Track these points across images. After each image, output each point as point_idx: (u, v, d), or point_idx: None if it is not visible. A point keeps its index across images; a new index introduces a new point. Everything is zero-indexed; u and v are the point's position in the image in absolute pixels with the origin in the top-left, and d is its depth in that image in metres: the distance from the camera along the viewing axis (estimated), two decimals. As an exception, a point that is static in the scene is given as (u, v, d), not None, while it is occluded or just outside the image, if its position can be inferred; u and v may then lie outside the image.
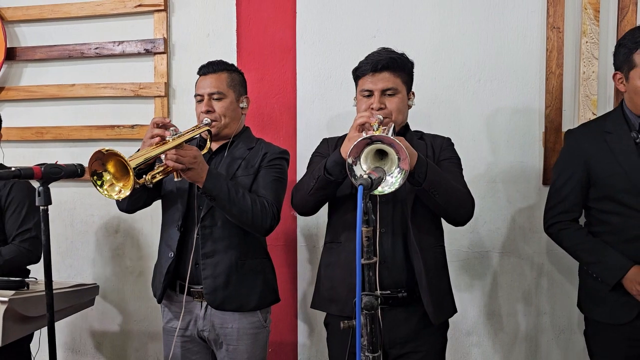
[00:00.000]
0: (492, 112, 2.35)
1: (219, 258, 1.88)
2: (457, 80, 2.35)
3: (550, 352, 2.36)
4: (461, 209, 1.75)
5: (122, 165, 1.57)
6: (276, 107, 2.55)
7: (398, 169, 1.36)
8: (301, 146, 2.50)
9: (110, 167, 1.60)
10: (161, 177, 1.75)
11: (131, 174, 1.54)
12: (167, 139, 1.72)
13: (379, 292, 1.59)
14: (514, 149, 2.33)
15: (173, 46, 2.63)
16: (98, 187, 1.60)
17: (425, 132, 1.93)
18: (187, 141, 1.78)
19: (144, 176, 1.68)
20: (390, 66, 1.76)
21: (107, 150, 1.55)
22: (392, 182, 1.35)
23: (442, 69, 2.36)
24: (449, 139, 1.91)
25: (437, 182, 1.64)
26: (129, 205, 1.93)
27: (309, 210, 1.82)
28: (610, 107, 2.23)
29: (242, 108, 2.02)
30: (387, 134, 1.52)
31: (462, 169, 1.87)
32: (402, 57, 1.81)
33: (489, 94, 2.34)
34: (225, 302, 1.87)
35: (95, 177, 1.59)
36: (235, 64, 2.49)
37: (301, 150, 2.49)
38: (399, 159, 1.37)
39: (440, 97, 2.37)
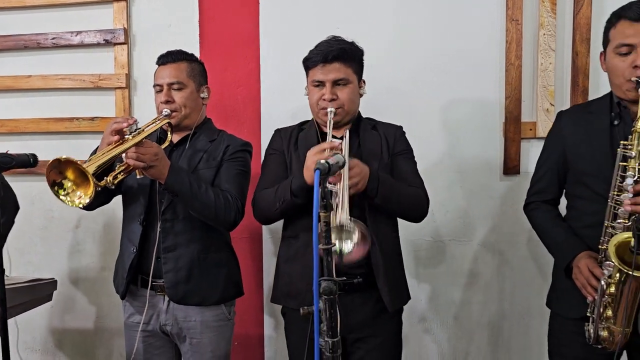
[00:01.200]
0: (453, 103, 2.38)
1: (180, 252, 1.85)
2: (419, 71, 2.37)
3: (511, 338, 2.41)
4: (414, 211, 1.81)
5: (81, 171, 1.54)
6: (240, 99, 2.53)
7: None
8: (265, 138, 2.47)
9: (69, 174, 1.57)
10: (123, 176, 1.73)
11: (91, 180, 1.52)
12: (126, 137, 1.68)
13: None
14: (474, 139, 2.37)
15: (134, 36, 2.58)
16: (61, 197, 1.58)
17: (378, 120, 1.94)
18: (147, 135, 1.75)
19: (105, 178, 1.65)
20: (341, 56, 1.76)
21: (63, 159, 1.52)
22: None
23: (405, 59, 2.38)
24: (400, 128, 1.91)
25: (389, 196, 1.70)
26: (89, 203, 1.88)
27: (273, 222, 1.86)
28: (567, 98, 2.29)
29: (202, 98, 2.00)
30: (343, 154, 1.57)
31: (415, 161, 1.89)
32: (353, 46, 1.81)
33: (450, 84, 2.36)
34: (186, 296, 1.85)
35: (56, 187, 1.56)
36: (198, 55, 2.47)
37: (265, 143, 2.44)
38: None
39: (402, 87, 2.39)
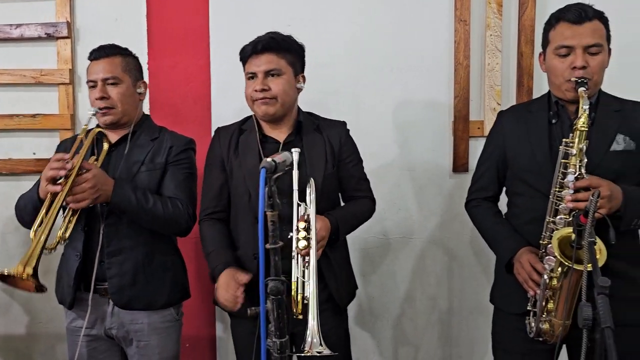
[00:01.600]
0: (405, 102, 2.40)
1: (125, 256, 1.80)
2: (371, 70, 2.39)
3: (460, 333, 2.46)
4: (363, 223, 1.92)
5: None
6: (189, 96, 2.47)
7: None
8: (216, 136, 2.45)
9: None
10: (73, 222, 1.72)
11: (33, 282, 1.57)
12: (58, 181, 1.65)
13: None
14: (425, 137, 2.40)
15: (78, 30, 2.48)
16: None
17: (321, 116, 1.92)
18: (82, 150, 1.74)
19: (55, 238, 1.68)
20: (272, 47, 1.75)
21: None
22: None
23: (357, 57, 2.38)
24: (344, 126, 1.90)
25: (348, 232, 1.83)
26: (32, 221, 1.78)
27: None
28: (512, 97, 2.35)
29: (139, 94, 1.93)
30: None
31: (362, 163, 1.92)
32: (287, 38, 1.80)
33: (402, 83, 2.39)
34: (132, 301, 1.81)
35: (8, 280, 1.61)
36: (146, 50, 2.40)
37: (216, 141, 2.43)
38: None
39: (354, 86, 2.39)
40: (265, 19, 2.39)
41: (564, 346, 1.70)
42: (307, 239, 1.61)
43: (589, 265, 1.26)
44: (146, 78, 2.46)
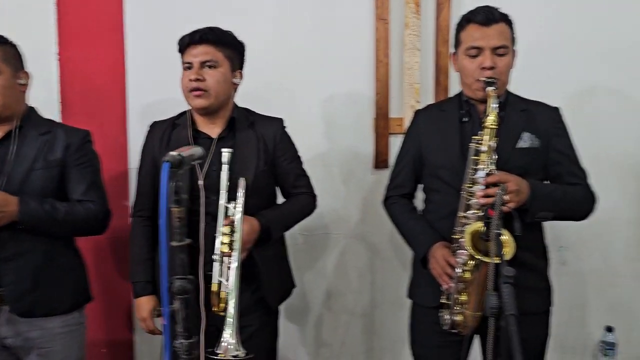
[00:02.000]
0: (330, 98, 2.41)
1: (22, 261, 1.69)
2: (295, 66, 2.37)
3: (383, 326, 2.50)
4: (302, 219, 1.95)
5: None
6: (104, 91, 2.36)
7: None
8: (133, 134, 2.35)
9: None
10: None
11: None
12: None
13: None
14: (348, 133, 2.42)
15: (-25, 17, 2.30)
16: None
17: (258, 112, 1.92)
18: None
19: None
20: (209, 39, 1.74)
21: None
22: None
23: (284, 53, 2.36)
24: (281, 124, 1.90)
25: (281, 231, 1.85)
26: None
27: None
28: (431, 95, 2.41)
29: (21, 85, 1.78)
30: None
31: (300, 159, 1.93)
32: (227, 32, 1.79)
33: (327, 80, 2.39)
34: (34, 307, 1.70)
35: None
36: (56, 43, 2.27)
37: (133, 139, 2.34)
38: None
39: (282, 81, 2.36)
40: (184, 13, 2.32)
41: (478, 337, 1.77)
42: (231, 242, 1.60)
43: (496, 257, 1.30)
44: (56, 69, 2.34)
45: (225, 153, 1.65)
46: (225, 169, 1.65)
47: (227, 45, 1.78)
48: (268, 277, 1.78)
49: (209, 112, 1.78)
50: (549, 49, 2.41)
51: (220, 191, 1.64)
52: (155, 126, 1.87)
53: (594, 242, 2.51)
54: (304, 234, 2.43)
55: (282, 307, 2.39)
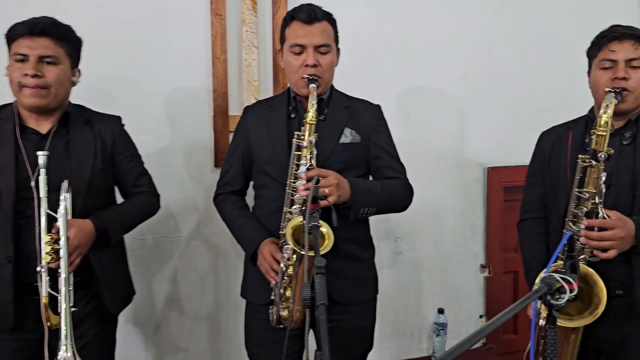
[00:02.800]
0: (165, 95, 2.30)
1: None
2: (126, 60, 2.22)
3: (229, 328, 2.45)
4: (145, 220, 1.87)
5: None
6: None
7: None
8: None
9: None
10: None
11: None
12: None
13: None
14: (187, 131, 2.34)
15: None
16: None
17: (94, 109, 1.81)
18: None
19: None
20: (51, 32, 1.60)
21: None
22: None
23: (110, 46, 2.20)
24: (119, 121, 1.81)
25: (121, 232, 1.77)
26: None
27: None
28: (270, 92, 2.41)
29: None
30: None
31: (141, 158, 1.86)
32: (67, 27, 1.66)
33: (161, 75, 2.28)
34: None
35: None
36: None
37: None
38: None
39: (122, 76, 2.22)
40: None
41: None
42: (56, 250, 1.46)
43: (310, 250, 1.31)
44: None
45: (41, 156, 1.50)
46: (42, 172, 1.50)
47: (68, 41, 1.66)
48: (107, 283, 1.67)
49: (42, 111, 1.63)
50: (379, 48, 2.54)
51: (40, 197, 1.50)
52: None
53: (426, 231, 2.70)
54: (141, 238, 2.30)
55: (123, 315, 2.27)
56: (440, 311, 2.64)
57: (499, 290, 2.80)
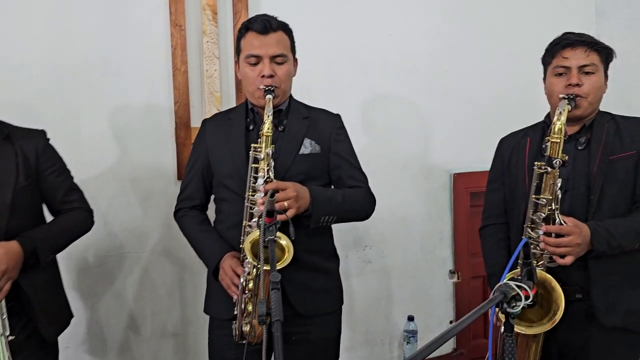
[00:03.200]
0: (121, 108, 2.26)
1: None
2: (79, 74, 2.18)
3: (197, 343, 2.41)
4: (80, 236, 1.77)
5: None
6: None
7: None
8: None
9: None
10: None
11: None
12: None
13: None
14: (147, 145, 2.30)
15: None
16: None
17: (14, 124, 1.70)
18: None
19: None
20: None
21: None
22: None
23: (69, 60, 2.16)
24: (43, 136, 1.71)
25: (54, 251, 1.66)
26: None
27: None
28: (232, 103, 2.39)
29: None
30: None
31: (70, 174, 1.76)
32: None
33: (117, 88, 2.24)
34: None
35: None
36: None
37: None
38: None
39: (72, 89, 2.16)
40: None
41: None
42: None
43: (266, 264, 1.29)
44: None
45: None
46: None
47: None
48: (41, 308, 1.59)
49: None
50: (341, 57, 2.54)
51: None
52: None
53: (394, 239, 2.70)
54: (103, 255, 2.25)
55: (79, 340, 2.21)
56: (410, 318, 2.64)
57: (468, 296, 2.82)
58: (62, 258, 2.07)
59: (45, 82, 2.13)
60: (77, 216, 1.72)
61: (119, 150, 2.25)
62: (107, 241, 2.25)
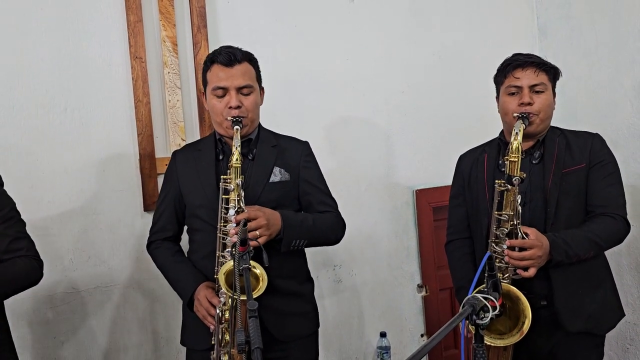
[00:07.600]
0: (83, 141, 2.24)
1: None
2: (41, 109, 2.16)
3: (173, 375, 2.38)
4: (25, 285, 1.64)
5: None
6: None
7: None
8: None
9: None
10: None
11: None
12: None
13: None
14: (111, 177, 2.28)
15: None
16: None
17: None
18: None
19: None
20: None
21: None
22: None
23: (29, 95, 2.14)
24: None
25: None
26: None
27: None
28: (196, 132, 2.40)
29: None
30: None
31: (14, 213, 1.66)
32: None
33: (79, 123, 2.22)
34: None
35: None
36: None
37: None
38: None
39: (32, 126, 2.14)
40: None
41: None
42: None
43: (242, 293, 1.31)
44: None
45: None
46: None
47: None
48: None
49: None
50: (302, 82, 2.59)
51: None
52: None
53: (362, 257, 2.75)
54: (71, 291, 2.21)
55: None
56: (383, 335, 2.69)
57: (437, 308, 2.88)
58: (28, 297, 2.04)
59: (5, 118, 2.10)
60: (24, 265, 1.57)
61: (86, 184, 2.22)
62: (75, 277, 2.21)
